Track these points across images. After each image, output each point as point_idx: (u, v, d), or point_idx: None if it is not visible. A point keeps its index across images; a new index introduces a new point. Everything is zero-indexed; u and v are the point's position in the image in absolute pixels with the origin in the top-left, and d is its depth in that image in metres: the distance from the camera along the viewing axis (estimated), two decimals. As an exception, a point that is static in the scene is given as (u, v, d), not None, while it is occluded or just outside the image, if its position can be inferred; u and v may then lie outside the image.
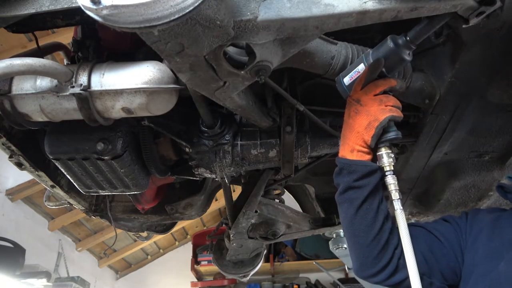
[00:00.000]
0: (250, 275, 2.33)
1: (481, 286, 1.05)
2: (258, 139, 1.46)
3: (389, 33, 1.06)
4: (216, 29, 0.79)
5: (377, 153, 1.10)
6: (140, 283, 6.92)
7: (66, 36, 3.11)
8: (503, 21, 1.06)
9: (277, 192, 1.98)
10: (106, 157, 1.27)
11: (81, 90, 1.07)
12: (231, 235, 1.88)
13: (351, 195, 1.11)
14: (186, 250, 6.99)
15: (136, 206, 1.78)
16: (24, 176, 3.81)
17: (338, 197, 1.15)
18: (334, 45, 1.17)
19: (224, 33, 0.81)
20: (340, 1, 0.88)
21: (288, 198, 2.13)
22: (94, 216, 1.84)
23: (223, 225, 2.02)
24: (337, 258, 4.25)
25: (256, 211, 1.78)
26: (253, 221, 1.83)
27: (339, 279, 6.03)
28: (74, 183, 1.42)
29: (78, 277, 4.71)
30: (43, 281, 4.20)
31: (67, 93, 1.08)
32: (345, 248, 3.59)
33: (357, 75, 1.10)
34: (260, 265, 2.30)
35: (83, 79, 1.09)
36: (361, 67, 1.09)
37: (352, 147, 1.10)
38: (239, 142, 1.45)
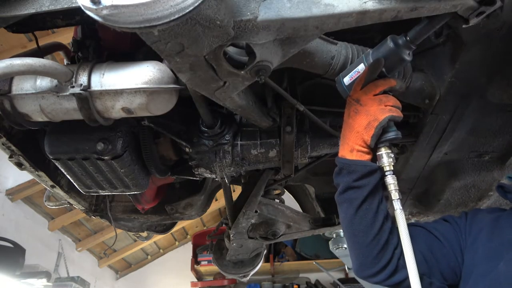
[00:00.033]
0: (250, 275, 2.33)
1: (481, 286, 1.05)
2: (258, 139, 1.46)
3: (389, 33, 1.06)
4: (216, 29, 0.79)
5: (377, 153, 1.10)
6: (140, 283, 6.92)
7: (66, 36, 3.11)
8: (503, 21, 1.06)
9: (277, 192, 1.98)
10: (106, 157, 1.27)
11: (81, 90, 1.07)
12: (231, 235, 1.88)
13: (351, 195, 1.11)
14: (186, 250, 6.99)
15: (136, 206, 1.78)
16: (24, 176, 3.81)
17: (338, 197, 1.15)
18: (334, 45, 1.17)
19: (224, 33, 0.81)
20: (340, 1, 0.88)
21: (288, 198, 2.13)
22: (94, 216, 1.84)
23: (223, 225, 2.02)
24: (337, 258, 4.25)
25: (256, 211, 1.78)
26: (253, 221, 1.83)
27: (339, 279, 6.03)
28: (74, 183, 1.42)
29: (78, 277, 4.71)
30: (43, 281, 4.20)
31: (67, 93, 1.08)
32: (345, 248, 3.60)
33: (357, 75, 1.10)
34: (260, 265, 2.31)
35: (83, 79, 1.09)
36: (361, 67, 1.09)
37: (351, 147, 1.10)
38: (239, 142, 1.45)
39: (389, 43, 1.04)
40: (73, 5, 0.95)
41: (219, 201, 5.74)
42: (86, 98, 1.08)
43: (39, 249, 4.66)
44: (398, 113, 1.07)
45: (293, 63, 1.13)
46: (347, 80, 1.12)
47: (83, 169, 1.33)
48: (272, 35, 0.89)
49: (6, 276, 3.77)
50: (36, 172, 1.45)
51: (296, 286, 6.12)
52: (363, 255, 1.12)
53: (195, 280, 6.51)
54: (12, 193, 4.31)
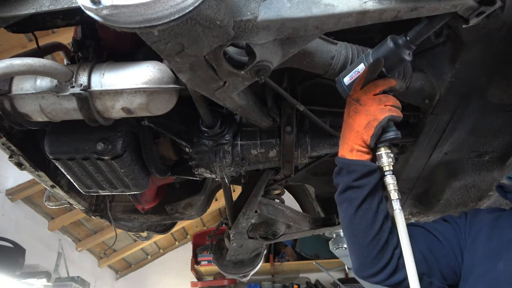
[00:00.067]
0: (250, 275, 2.33)
1: (480, 286, 1.05)
2: (258, 139, 1.46)
3: (389, 33, 1.06)
4: (216, 29, 0.79)
5: (377, 153, 1.10)
6: (140, 283, 6.92)
7: (66, 36, 3.11)
8: (503, 21, 1.06)
9: (277, 192, 1.98)
10: (106, 157, 1.27)
11: (81, 90, 1.07)
12: (231, 235, 1.88)
13: (351, 195, 1.11)
14: (186, 250, 6.99)
15: (136, 206, 1.78)
16: (24, 176, 3.81)
17: (338, 197, 1.15)
18: (334, 45, 1.17)
19: (224, 33, 0.81)
20: (340, 1, 0.88)
21: (288, 198, 2.13)
22: (94, 216, 1.84)
23: (223, 225, 2.02)
24: (337, 258, 4.26)
25: (256, 211, 1.78)
26: (253, 221, 1.83)
27: (339, 279, 6.03)
28: (74, 183, 1.42)
29: (78, 277, 4.71)
30: (43, 281, 4.20)
31: (67, 93, 1.08)
32: (345, 248, 3.60)
33: (357, 75, 1.10)
34: (260, 265, 2.30)
35: (83, 79, 1.09)
36: (361, 67, 1.09)
37: (351, 146, 1.10)
38: (239, 142, 1.45)
39: (389, 43, 1.04)
40: (73, 5, 0.95)
41: (219, 201, 5.74)
42: (86, 98, 1.08)
43: (39, 249, 4.66)
44: (398, 113, 1.07)
45: (293, 63, 1.13)
46: (347, 80, 1.12)
47: (83, 169, 1.33)
48: (272, 35, 0.89)
49: (6, 276, 3.77)
50: (36, 172, 1.45)
51: (296, 286, 6.12)
52: (363, 255, 1.12)
53: (195, 280, 6.51)
54: (12, 193, 4.31)
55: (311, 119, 1.42)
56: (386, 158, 1.08)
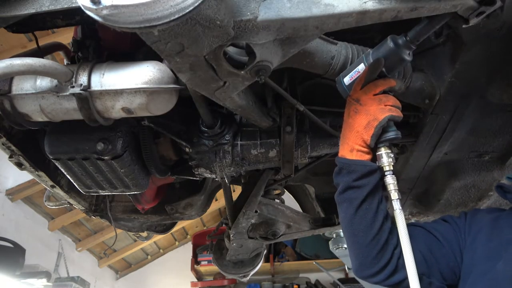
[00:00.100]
0: (250, 275, 2.33)
1: (480, 286, 1.05)
2: (258, 139, 1.46)
3: (389, 33, 1.06)
4: (216, 29, 0.79)
5: (377, 153, 1.10)
6: (140, 283, 6.92)
7: (66, 36, 3.11)
8: (503, 21, 1.06)
9: (277, 192, 1.98)
10: (106, 157, 1.27)
11: (81, 90, 1.07)
12: (231, 235, 1.88)
13: (351, 195, 1.11)
14: (186, 250, 6.99)
15: (136, 206, 1.78)
16: (24, 176, 3.81)
17: (338, 197, 1.15)
18: (334, 45, 1.17)
19: (224, 33, 0.81)
20: (340, 1, 0.88)
21: (288, 198, 2.13)
22: (94, 216, 1.84)
23: (223, 225, 2.02)
24: (337, 258, 4.26)
25: (256, 211, 1.78)
26: (253, 221, 1.83)
27: (339, 279, 6.03)
28: (74, 183, 1.42)
29: (78, 277, 4.71)
30: (43, 281, 4.20)
31: (67, 93, 1.08)
32: (345, 248, 3.60)
33: (357, 75, 1.10)
34: (260, 265, 2.31)
35: (83, 79, 1.09)
36: (361, 67, 1.09)
37: (351, 146, 1.10)
38: (239, 142, 1.45)
39: (389, 43, 1.04)
40: (73, 5, 0.95)
41: (219, 201, 5.74)
42: (86, 98, 1.08)
43: (39, 249, 4.66)
44: (398, 113, 1.07)
45: (293, 63, 1.13)
46: (347, 80, 1.12)
47: (83, 169, 1.33)
48: (272, 35, 0.89)
49: (6, 276, 3.77)
50: (36, 172, 1.45)
51: (296, 286, 6.12)
52: (363, 255, 1.12)
53: (195, 280, 6.51)
54: (12, 193, 4.31)
55: (311, 119, 1.42)
56: (386, 158, 1.08)
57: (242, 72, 0.96)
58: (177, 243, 7.30)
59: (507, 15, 1.01)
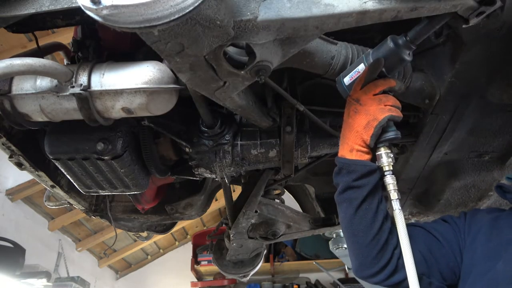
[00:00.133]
0: (250, 275, 2.32)
1: (479, 286, 1.05)
2: (258, 139, 1.46)
3: (389, 33, 1.06)
4: (216, 29, 0.79)
5: (376, 153, 1.10)
6: (140, 283, 6.92)
7: (66, 36, 3.11)
8: (503, 21, 1.06)
9: (277, 192, 1.98)
10: (106, 157, 1.27)
11: (81, 90, 1.07)
12: (231, 235, 1.88)
13: (350, 195, 1.11)
14: (186, 250, 7.00)
15: (136, 206, 1.78)
16: (24, 176, 3.81)
17: (337, 197, 1.15)
18: (334, 45, 1.17)
19: (224, 33, 0.81)
20: (340, 1, 0.88)
21: (288, 198, 2.13)
22: (94, 216, 1.84)
23: (223, 225, 2.02)
24: (337, 258, 4.25)
25: (256, 211, 1.78)
26: (253, 221, 1.83)
27: (339, 279, 6.03)
28: (74, 183, 1.42)
29: (78, 277, 4.71)
30: (43, 281, 4.20)
31: (67, 93, 1.08)
32: (345, 248, 3.60)
33: (357, 75, 1.10)
34: (260, 265, 2.30)
35: (83, 79, 1.09)
36: (361, 67, 1.09)
37: (351, 146, 1.10)
38: (239, 142, 1.45)
39: (389, 43, 1.04)
40: (73, 5, 0.95)
41: (219, 201, 5.75)
42: (86, 98, 1.08)
43: (39, 249, 4.66)
44: (397, 113, 1.07)
45: (293, 63, 1.13)
46: (347, 80, 1.12)
47: (83, 169, 1.33)
48: (272, 35, 0.89)
49: (6, 276, 3.77)
50: (36, 172, 1.45)
51: (296, 286, 6.12)
52: (363, 255, 1.12)
53: (195, 280, 6.51)
54: (12, 193, 4.31)
55: (311, 119, 1.42)
56: (386, 158, 1.08)
57: (242, 72, 0.96)
58: (177, 243, 7.30)
59: (507, 15, 1.01)
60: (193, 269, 6.36)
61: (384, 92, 1.09)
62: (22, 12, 0.97)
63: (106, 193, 1.50)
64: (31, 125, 1.21)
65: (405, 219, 1.07)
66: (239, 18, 0.82)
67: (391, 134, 1.08)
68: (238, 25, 0.83)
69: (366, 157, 1.10)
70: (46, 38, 3.16)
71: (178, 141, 1.43)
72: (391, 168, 1.08)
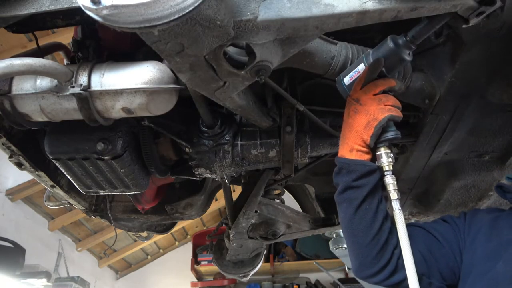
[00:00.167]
0: (250, 275, 2.32)
1: (479, 286, 1.05)
2: (258, 139, 1.46)
3: (389, 33, 1.06)
4: (216, 29, 0.79)
5: (376, 153, 1.10)
6: (140, 283, 6.92)
7: (66, 36, 3.11)
8: (503, 21, 1.06)
9: (277, 192, 1.98)
10: (106, 157, 1.27)
11: (81, 90, 1.07)
12: (231, 235, 1.88)
13: (350, 195, 1.10)
14: (186, 250, 7.00)
15: (136, 206, 1.78)
16: (24, 176, 3.81)
17: (337, 197, 1.15)
18: (334, 45, 1.17)
19: (224, 33, 0.81)
20: (340, 1, 0.88)
21: (288, 198, 2.13)
22: (94, 216, 1.84)
23: (223, 225, 2.02)
24: (337, 258, 4.26)
25: (256, 211, 1.78)
26: (253, 221, 1.83)
27: (339, 279, 6.03)
28: (74, 183, 1.42)
29: (78, 277, 4.71)
30: (43, 281, 4.20)
31: (67, 93, 1.08)
32: (345, 248, 3.60)
33: (357, 75, 1.10)
34: (260, 265, 2.30)
35: (83, 79, 1.09)
36: (361, 67, 1.09)
37: (351, 146, 1.10)
38: (239, 142, 1.45)
39: (389, 43, 1.04)
40: (73, 5, 0.95)
41: (219, 201, 5.75)
42: (86, 98, 1.08)
43: (39, 249, 4.66)
44: (397, 113, 1.07)
45: (293, 63, 1.13)
46: (347, 80, 1.12)
47: (83, 169, 1.33)
48: (272, 35, 0.89)
49: (6, 276, 3.77)
50: (36, 172, 1.45)
51: (296, 286, 6.12)
52: (363, 255, 1.12)
53: (195, 280, 6.51)
54: (12, 193, 4.31)
55: (311, 119, 1.42)
56: (386, 158, 1.08)
57: (242, 72, 0.96)
58: (177, 243, 7.30)
59: (507, 15, 1.01)
60: (193, 269, 6.36)
61: (384, 92, 1.09)
62: (22, 12, 0.97)
63: (106, 193, 1.50)
64: (31, 125, 1.21)
65: (405, 219, 1.07)
66: (239, 18, 0.82)
67: (391, 134, 1.08)
68: (238, 25, 0.83)
69: (366, 157, 1.10)
70: (46, 38, 3.16)
71: (178, 141, 1.43)
72: (391, 168, 1.08)
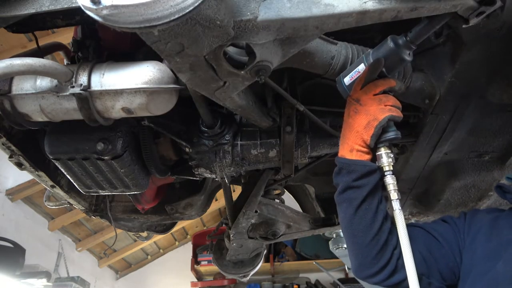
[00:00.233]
0: (250, 275, 2.33)
1: (479, 286, 1.05)
2: (258, 139, 1.46)
3: (389, 33, 1.06)
4: (216, 29, 0.79)
5: (377, 153, 1.10)
6: (140, 283, 6.93)
7: (66, 36, 3.11)
8: (503, 21, 1.06)
9: (277, 192, 1.98)
10: (106, 157, 1.27)
11: (81, 90, 1.07)
12: (231, 235, 1.88)
13: (350, 195, 1.10)
14: (186, 250, 7.00)
15: (136, 206, 1.78)
16: (24, 176, 3.81)
17: (337, 197, 1.15)
18: (334, 45, 1.17)
19: (224, 33, 0.81)
20: (340, 1, 0.88)
21: (288, 198, 2.13)
22: (94, 216, 1.84)
23: (223, 225, 2.02)
24: (337, 258, 4.25)
25: (256, 211, 1.78)
26: (253, 221, 1.83)
27: (339, 279, 6.03)
28: (74, 183, 1.42)
29: (78, 277, 4.71)
30: (43, 281, 4.20)
31: (67, 93, 1.08)
32: (345, 248, 3.59)
33: (357, 75, 1.10)
34: (260, 265, 2.31)
35: (83, 79, 1.09)
36: (361, 67, 1.09)
37: (351, 146, 1.10)
38: (239, 142, 1.45)
39: (389, 43, 1.04)
40: (73, 5, 0.95)
41: (219, 201, 5.75)
42: (86, 98, 1.08)
43: (39, 249, 4.66)
44: (398, 113, 1.07)
45: (293, 63, 1.13)
46: (347, 80, 1.12)
47: (83, 169, 1.33)
48: (272, 35, 0.89)
49: (6, 276, 3.77)
50: (36, 172, 1.45)
51: (296, 286, 6.13)
52: (362, 255, 1.12)
53: (195, 280, 6.51)
54: (12, 193, 4.31)
55: (311, 119, 1.42)
56: (386, 158, 1.08)
57: (242, 72, 0.96)
58: (177, 243, 7.30)
59: (507, 15, 1.01)
60: (193, 269, 6.36)
61: (384, 92, 1.09)
62: (22, 12, 0.97)
63: (106, 193, 1.50)
64: (31, 125, 1.21)
65: (405, 219, 1.07)
66: (239, 18, 0.82)
67: (391, 134, 1.08)
68: (238, 25, 0.83)
69: (366, 157, 1.10)
70: (46, 38, 3.16)
71: (178, 141, 1.43)
72: (391, 168, 1.08)
